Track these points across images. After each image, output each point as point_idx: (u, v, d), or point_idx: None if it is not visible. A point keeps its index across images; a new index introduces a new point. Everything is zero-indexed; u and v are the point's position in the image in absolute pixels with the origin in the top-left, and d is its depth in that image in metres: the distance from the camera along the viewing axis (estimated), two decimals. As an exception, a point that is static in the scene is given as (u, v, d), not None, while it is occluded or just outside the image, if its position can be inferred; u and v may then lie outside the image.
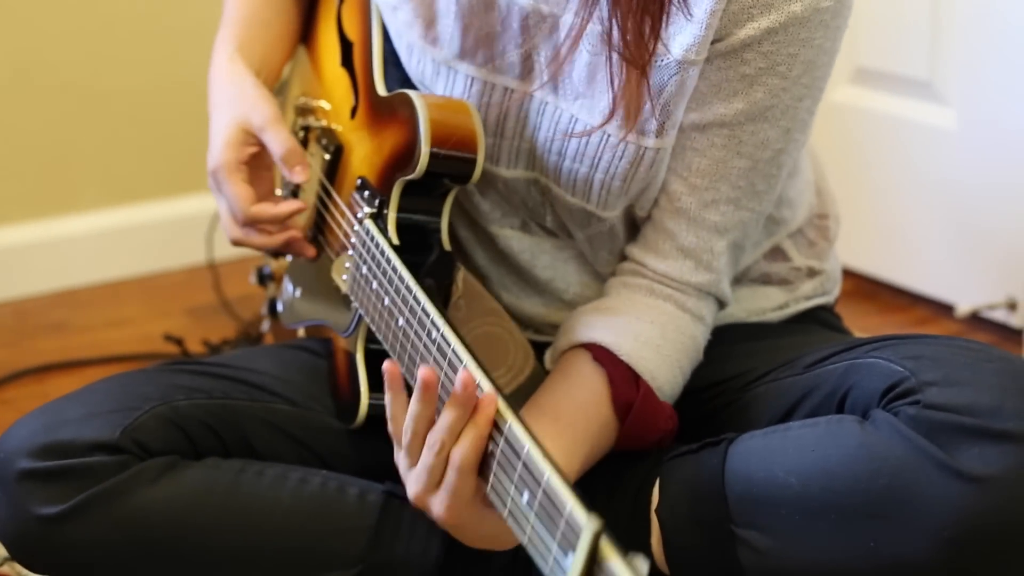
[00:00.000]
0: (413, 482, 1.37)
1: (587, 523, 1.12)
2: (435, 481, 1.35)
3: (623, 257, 1.60)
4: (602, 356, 1.51)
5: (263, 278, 1.90)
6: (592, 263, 1.63)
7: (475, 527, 1.37)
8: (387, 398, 1.38)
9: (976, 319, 2.46)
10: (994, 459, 1.31)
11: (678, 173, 1.52)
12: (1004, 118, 2.37)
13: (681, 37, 1.45)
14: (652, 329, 1.53)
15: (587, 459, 1.49)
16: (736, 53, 1.46)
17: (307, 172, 1.58)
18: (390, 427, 1.39)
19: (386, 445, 1.42)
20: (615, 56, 1.43)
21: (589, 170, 1.51)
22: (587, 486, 1.50)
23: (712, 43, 1.45)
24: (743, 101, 1.48)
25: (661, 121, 1.47)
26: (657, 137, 1.48)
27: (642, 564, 1.08)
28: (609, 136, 1.49)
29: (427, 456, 1.34)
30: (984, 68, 2.38)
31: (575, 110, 1.51)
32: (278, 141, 1.58)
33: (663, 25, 1.43)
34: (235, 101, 1.62)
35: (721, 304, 1.59)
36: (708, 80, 1.48)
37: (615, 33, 1.42)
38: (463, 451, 1.31)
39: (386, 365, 1.36)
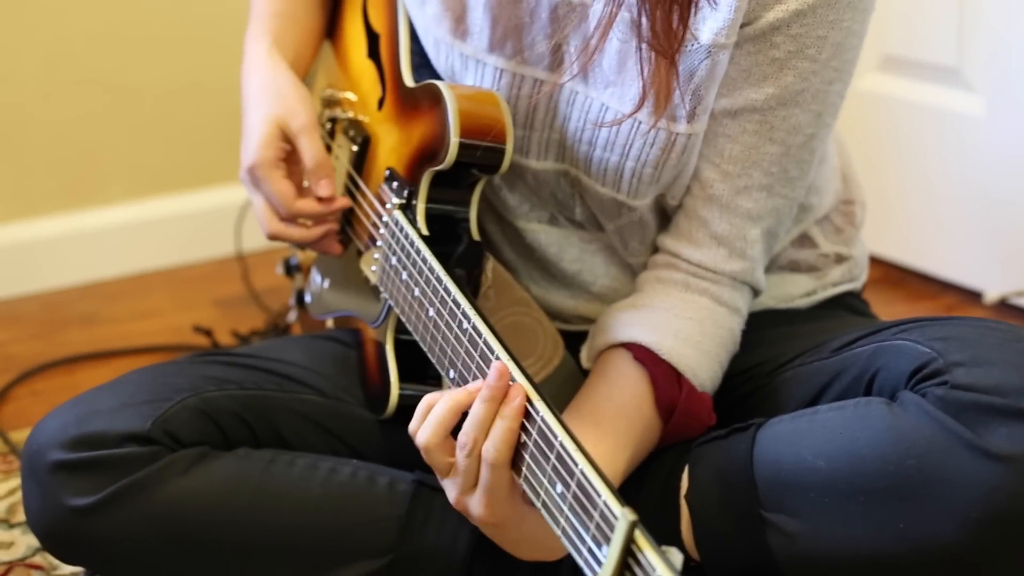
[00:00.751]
0: (450, 487, 1.37)
1: (622, 515, 1.12)
2: (471, 483, 1.35)
3: (655, 249, 1.60)
4: (643, 356, 1.51)
5: (290, 269, 1.91)
6: (622, 255, 1.63)
7: (516, 525, 1.37)
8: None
9: (1005, 306, 2.46)
10: (1022, 438, 1.31)
11: (710, 160, 1.52)
12: (1032, 104, 2.36)
13: (710, 21, 1.45)
14: (691, 325, 1.53)
15: (631, 462, 1.49)
16: (765, 37, 1.46)
17: (332, 187, 1.60)
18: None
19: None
20: (644, 45, 1.43)
21: (620, 158, 1.51)
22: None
23: (741, 27, 1.45)
24: (773, 85, 1.48)
25: (692, 106, 1.47)
26: (688, 123, 1.48)
27: (676, 556, 1.08)
28: (640, 123, 1.49)
29: (460, 458, 1.34)
30: (1012, 55, 2.37)
31: (605, 98, 1.51)
32: (311, 152, 1.59)
33: (692, 13, 1.43)
34: (273, 98, 1.63)
35: (756, 292, 1.59)
36: (738, 65, 1.48)
37: (644, 23, 1.42)
38: (495, 445, 1.31)
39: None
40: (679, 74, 1.45)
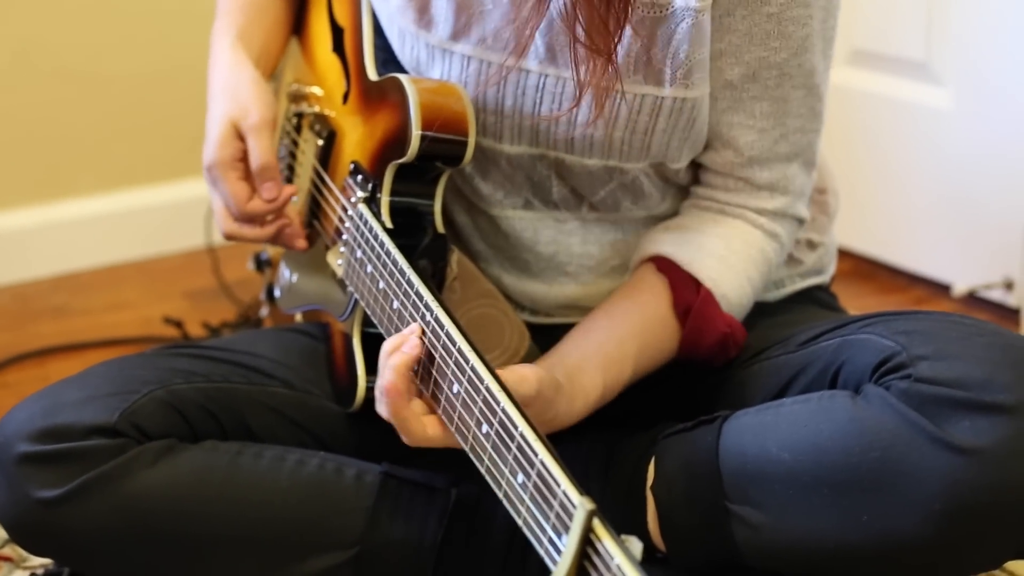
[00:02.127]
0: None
1: (580, 504, 1.13)
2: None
3: (681, 201, 1.64)
4: (665, 266, 1.57)
5: (261, 264, 1.91)
6: (609, 220, 1.64)
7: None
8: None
9: (973, 299, 2.47)
10: (985, 431, 1.32)
11: (744, 124, 1.55)
12: (1000, 98, 2.37)
13: None
14: (717, 241, 1.57)
15: (640, 355, 1.53)
16: None
17: (277, 190, 1.60)
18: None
19: (384, 427, 1.43)
20: (579, 47, 1.44)
21: (605, 131, 1.52)
22: (584, 464, 1.51)
23: None
24: (778, 39, 1.50)
25: (674, 69, 1.49)
26: (672, 86, 1.50)
27: (635, 544, 1.09)
28: (615, 94, 1.49)
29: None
30: (980, 48, 2.38)
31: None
32: (256, 153, 1.59)
33: (628, 13, 1.43)
34: (231, 95, 1.63)
35: (801, 222, 1.63)
36: (738, 31, 1.50)
37: (579, 29, 1.43)
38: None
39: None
40: (657, 40, 1.47)
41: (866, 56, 2.58)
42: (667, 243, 1.58)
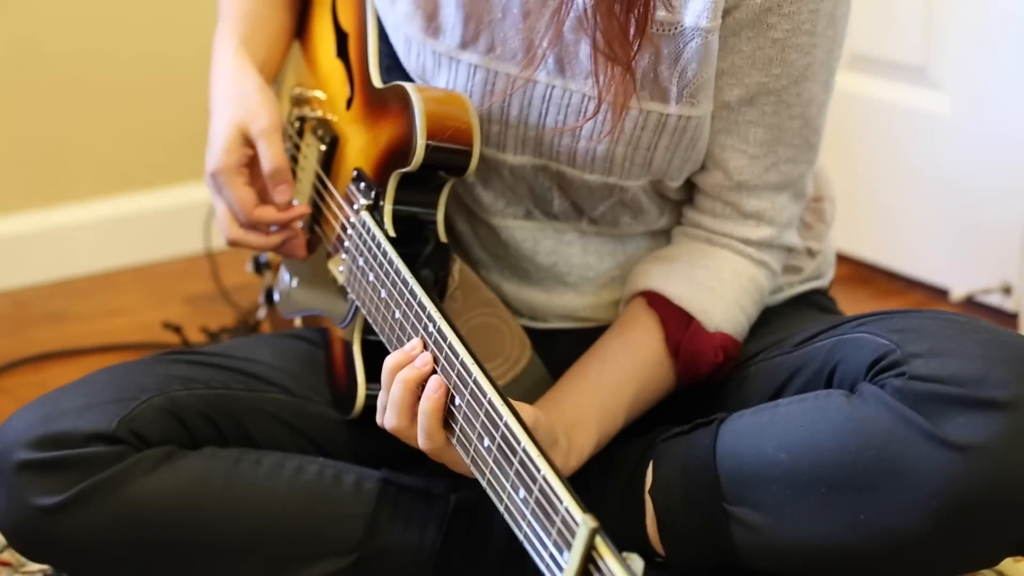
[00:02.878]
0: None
1: (583, 521, 1.13)
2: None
3: (669, 220, 1.64)
4: (655, 301, 1.56)
5: (259, 267, 1.91)
6: (608, 234, 1.64)
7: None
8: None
9: (971, 303, 2.47)
10: (980, 427, 1.32)
11: (736, 148, 1.55)
12: (998, 103, 2.37)
13: (693, 4, 1.46)
14: (706, 273, 1.57)
15: (638, 397, 1.54)
16: (760, 20, 1.48)
17: (290, 193, 1.60)
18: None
19: (383, 433, 1.43)
20: (600, 56, 1.44)
21: (608, 146, 1.52)
22: (582, 469, 1.51)
23: (729, 12, 1.47)
24: (780, 65, 1.50)
25: (681, 88, 1.49)
26: (678, 104, 1.50)
27: (637, 563, 1.09)
28: (629, 108, 1.49)
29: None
30: (978, 53, 2.38)
31: (587, 90, 1.51)
32: (268, 156, 1.58)
33: (647, 23, 1.44)
34: (237, 101, 1.63)
35: (790, 251, 1.63)
36: (742, 52, 1.50)
37: (599, 37, 1.43)
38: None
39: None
40: (664, 58, 1.47)
41: (864, 61, 2.59)
42: (657, 277, 1.58)
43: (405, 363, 1.39)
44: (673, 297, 1.56)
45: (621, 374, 1.53)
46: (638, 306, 1.58)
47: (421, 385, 1.38)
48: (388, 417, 1.40)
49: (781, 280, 1.72)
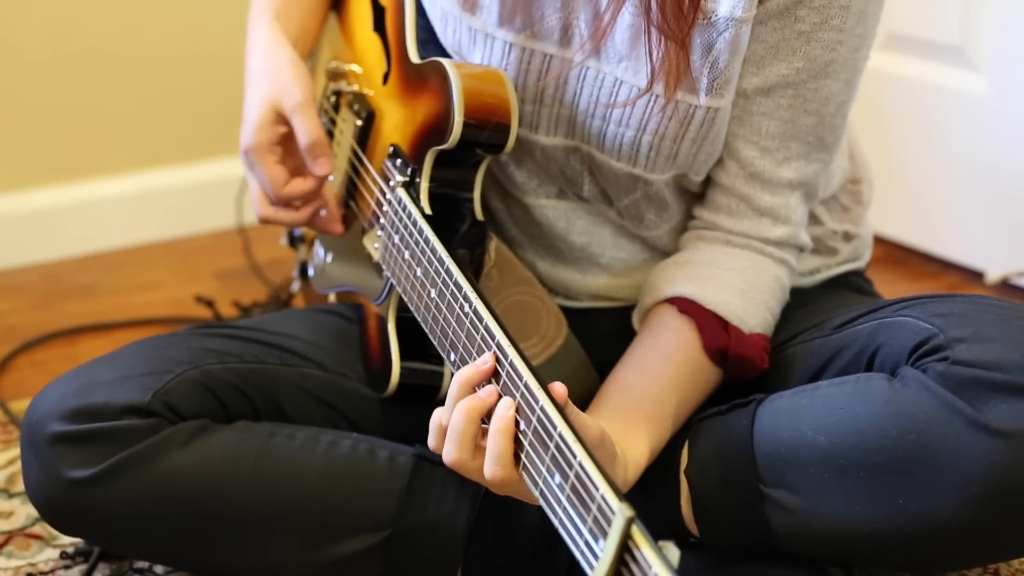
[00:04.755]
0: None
1: (619, 510, 1.12)
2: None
3: (691, 217, 1.61)
4: (688, 307, 1.53)
5: (294, 240, 1.91)
6: (633, 229, 1.63)
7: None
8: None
9: (1006, 286, 2.46)
10: (1022, 414, 1.31)
11: (748, 139, 1.53)
12: (1037, 84, 2.36)
13: None
14: (733, 275, 1.55)
15: (681, 405, 1.51)
16: (789, 11, 1.47)
17: (330, 165, 1.59)
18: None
19: (416, 409, 1.42)
20: (653, 29, 1.43)
21: (636, 133, 1.51)
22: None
23: (761, 2, 1.45)
24: (803, 59, 1.49)
25: (710, 79, 1.48)
26: (708, 96, 1.48)
27: (673, 552, 1.08)
28: (657, 97, 1.49)
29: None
30: (1016, 34, 2.36)
31: (619, 73, 1.51)
32: (305, 130, 1.57)
33: None
34: (270, 77, 1.62)
35: (801, 250, 1.61)
36: (765, 42, 1.48)
37: (653, 6, 1.42)
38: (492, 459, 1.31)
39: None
40: (696, 48, 1.46)
41: (900, 40, 2.57)
42: (683, 282, 1.55)
43: (477, 380, 1.33)
44: (706, 303, 1.53)
45: (663, 384, 1.50)
46: (668, 313, 1.55)
47: (485, 416, 1.32)
48: (450, 450, 1.33)
49: (818, 262, 1.71)
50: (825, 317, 1.58)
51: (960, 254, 2.56)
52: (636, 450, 1.43)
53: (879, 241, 2.61)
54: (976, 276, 2.51)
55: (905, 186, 2.61)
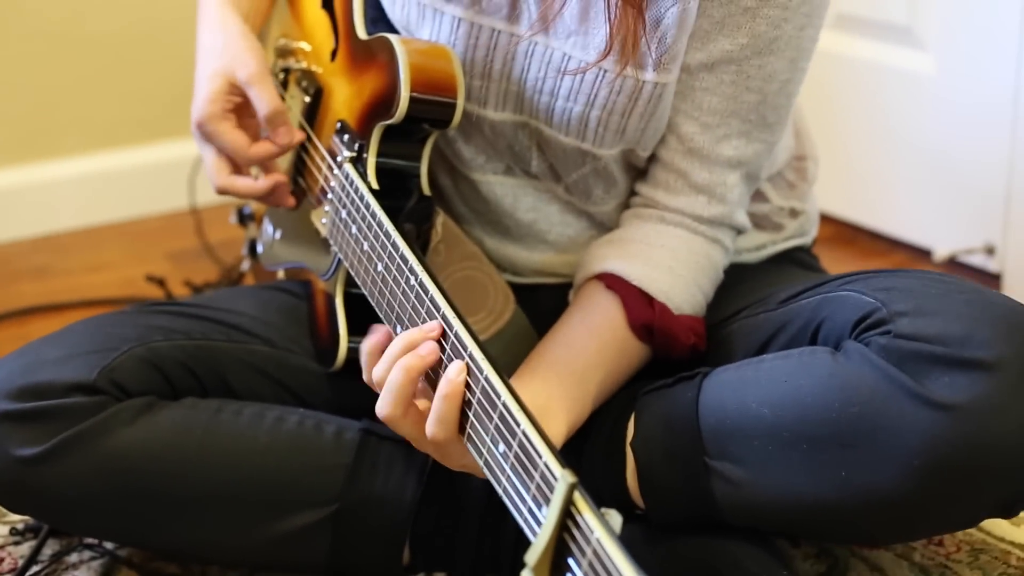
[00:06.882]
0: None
1: (562, 477, 1.13)
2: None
3: (632, 193, 1.62)
4: (614, 283, 1.54)
5: (243, 218, 1.90)
6: (580, 205, 1.63)
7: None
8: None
9: (954, 264, 2.47)
10: (964, 387, 1.32)
11: (689, 114, 1.54)
12: (983, 63, 2.37)
13: None
14: (663, 253, 1.55)
15: (604, 382, 1.51)
16: None
17: (291, 134, 1.58)
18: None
19: (363, 384, 1.43)
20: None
21: (584, 108, 1.52)
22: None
23: None
24: (747, 35, 1.49)
25: (659, 55, 1.48)
26: (655, 71, 1.49)
27: (615, 518, 1.09)
28: (606, 72, 1.49)
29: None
30: (963, 13, 2.38)
31: (568, 48, 1.51)
32: (264, 100, 1.57)
33: None
34: (222, 50, 1.61)
35: (738, 232, 1.61)
36: (711, 17, 1.49)
37: None
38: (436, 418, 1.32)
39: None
40: (646, 22, 1.46)
41: (848, 20, 2.58)
42: (613, 259, 1.56)
43: (420, 342, 1.35)
44: (632, 279, 1.54)
45: (588, 360, 1.51)
46: (596, 289, 1.56)
47: (422, 375, 1.35)
48: (384, 404, 1.35)
49: (764, 238, 1.71)
50: (770, 292, 1.58)
51: (908, 232, 2.57)
52: (553, 429, 1.43)
53: (829, 220, 2.63)
54: (924, 254, 2.52)
55: (854, 165, 2.62)
